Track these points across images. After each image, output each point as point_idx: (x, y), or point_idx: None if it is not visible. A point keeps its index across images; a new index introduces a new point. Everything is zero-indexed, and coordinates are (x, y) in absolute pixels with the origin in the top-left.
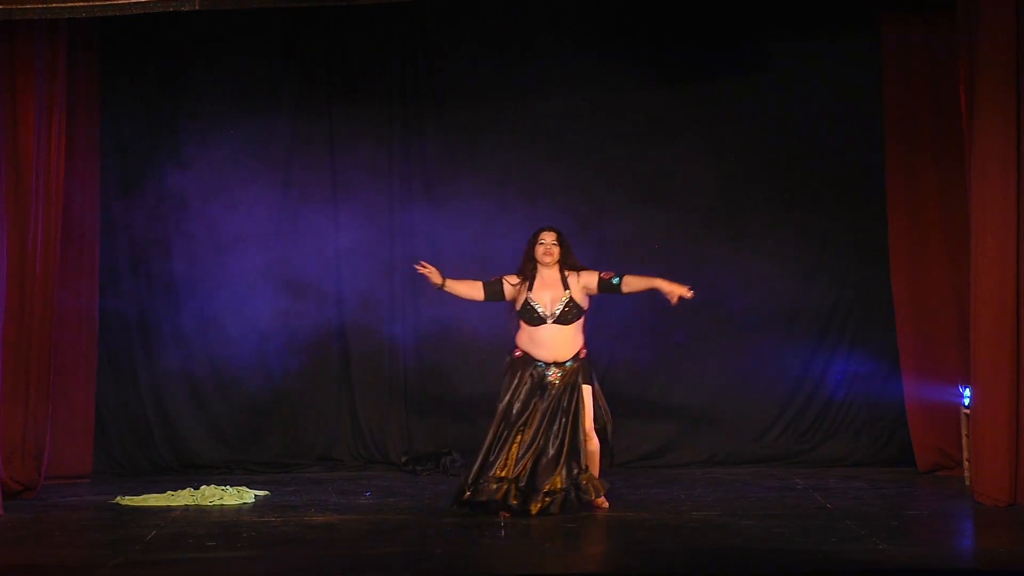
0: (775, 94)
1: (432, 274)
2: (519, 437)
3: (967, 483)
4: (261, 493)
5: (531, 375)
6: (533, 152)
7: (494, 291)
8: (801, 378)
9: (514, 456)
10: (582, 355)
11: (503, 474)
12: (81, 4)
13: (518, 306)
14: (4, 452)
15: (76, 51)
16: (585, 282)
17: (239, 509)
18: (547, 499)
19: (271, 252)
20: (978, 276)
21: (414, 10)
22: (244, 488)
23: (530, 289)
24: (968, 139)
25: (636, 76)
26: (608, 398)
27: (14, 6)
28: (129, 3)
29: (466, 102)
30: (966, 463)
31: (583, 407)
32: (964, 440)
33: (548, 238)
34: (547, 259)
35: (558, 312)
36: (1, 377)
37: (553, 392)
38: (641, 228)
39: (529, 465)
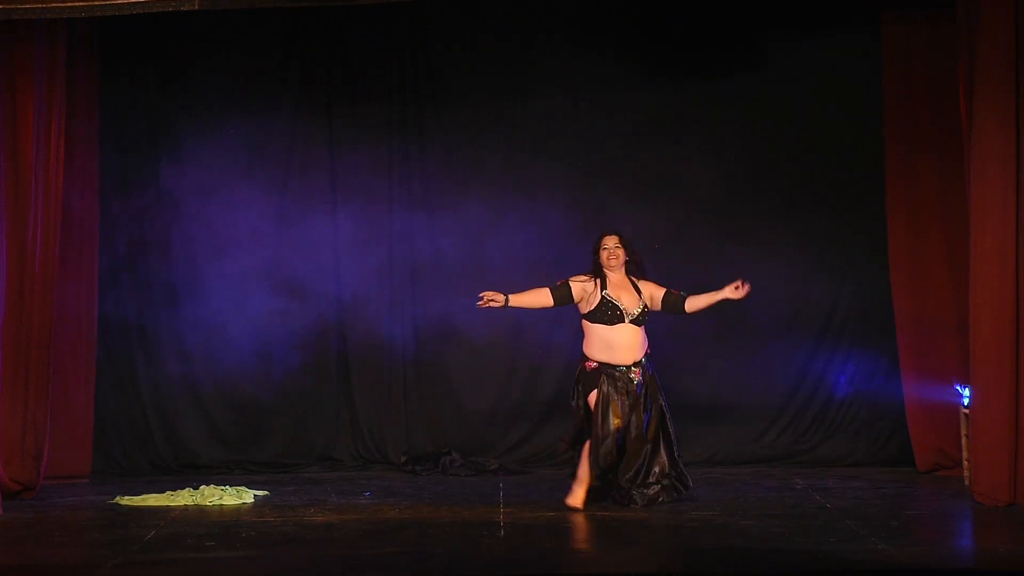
0: (775, 93)
1: (495, 299)
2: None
3: (966, 483)
4: (260, 493)
5: (619, 387)
6: (533, 151)
7: (562, 295)
8: (801, 378)
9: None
10: (648, 352)
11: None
12: (80, 4)
13: (590, 306)
14: (4, 452)
15: (75, 51)
16: (651, 292)
17: (238, 509)
18: (654, 487)
19: (270, 252)
20: (977, 276)
21: (414, 10)
22: (243, 488)
23: (604, 288)
24: (968, 139)
25: (635, 76)
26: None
27: (13, 6)
28: (128, 3)
29: (466, 102)
30: (965, 463)
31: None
32: (963, 440)
33: (611, 242)
34: (612, 262)
35: (637, 312)
36: (1, 377)
37: (643, 394)
38: (641, 228)
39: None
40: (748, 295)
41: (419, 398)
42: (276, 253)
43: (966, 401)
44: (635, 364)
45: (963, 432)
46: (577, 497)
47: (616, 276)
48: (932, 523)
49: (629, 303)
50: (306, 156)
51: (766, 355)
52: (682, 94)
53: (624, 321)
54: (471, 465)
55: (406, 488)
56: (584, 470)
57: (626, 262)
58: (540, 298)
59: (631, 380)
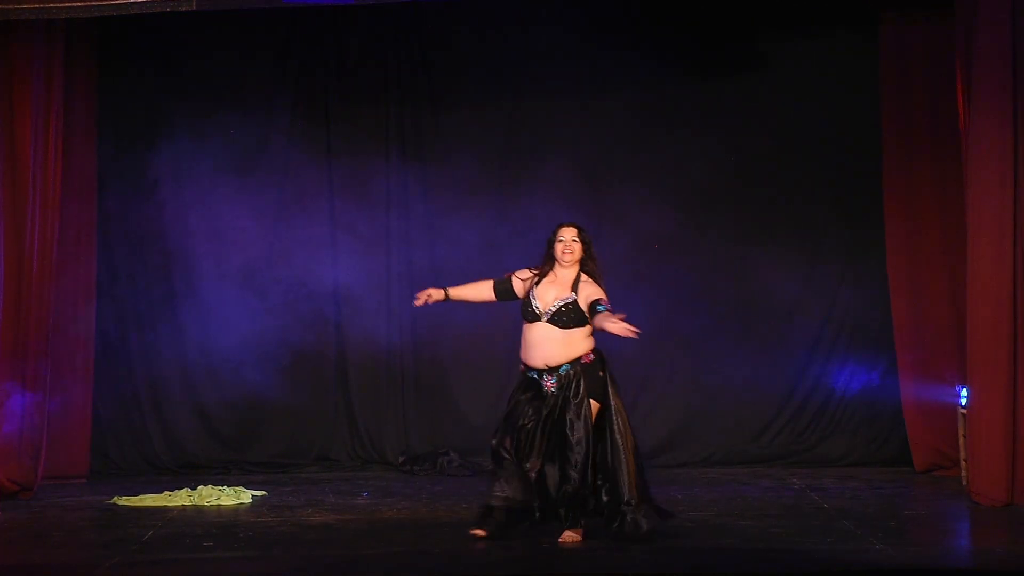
0: (772, 94)
1: (430, 296)
2: (529, 462)
3: (964, 483)
4: (258, 493)
5: (530, 389)
6: (533, 151)
7: (504, 289)
8: (798, 378)
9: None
10: (585, 359)
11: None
12: (78, 4)
13: (521, 301)
14: (1, 452)
15: (73, 51)
16: (588, 293)
17: (236, 509)
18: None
19: (269, 252)
20: (975, 276)
21: (412, 10)
22: (241, 488)
23: (536, 284)
24: (965, 139)
25: (634, 75)
26: None
27: (11, 6)
28: (126, 3)
29: (464, 102)
30: (963, 463)
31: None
32: (961, 440)
33: (568, 234)
34: (567, 257)
35: (553, 310)
36: None
37: (549, 407)
38: (640, 228)
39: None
40: (629, 334)
41: (417, 398)
42: (274, 253)
43: (963, 401)
44: (549, 371)
45: (960, 432)
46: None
47: (564, 272)
48: (929, 523)
49: (550, 300)
50: (303, 156)
51: (764, 355)
52: (679, 94)
53: (540, 320)
54: (469, 465)
55: (404, 488)
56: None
57: (582, 259)
58: (481, 292)
59: (540, 388)
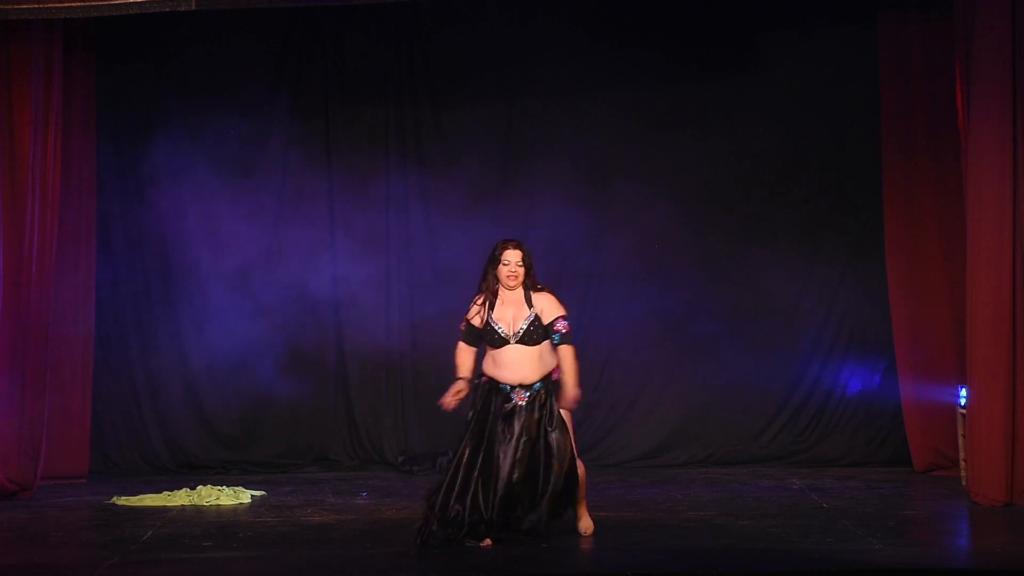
0: (771, 93)
1: (460, 392)
2: (492, 471)
3: (963, 483)
4: (257, 493)
5: (496, 401)
6: (532, 151)
7: (473, 337)
8: (798, 378)
9: (485, 492)
10: (554, 377)
11: (475, 516)
12: (77, 4)
13: (480, 327)
14: (1, 452)
15: (72, 51)
16: (543, 308)
17: (235, 509)
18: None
19: (268, 252)
20: (974, 276)
21: (411, 9)
22: (240, 488)
23: (491, 309)
24: (964, 139)
25: (632, 75)
26: (604, 397)
27: (10, 6)
28: (125, 3)
29: (464, 102)
30: (962, 463)
31: (565, 436)
32: (960, 440)
33: (512, 257)
34: (511, 282)
35: (521, 331)
36: None
37: (522, 420)
38: (639, 228)
39: (502, 500)
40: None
41: (416, 398)
42: (273, 253)
43: (963, 401)
44: (522, 387)
45: (960, 432)
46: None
47: (511, 294)
48: (929, 523)
49: (512, 322)
50: (303, 155)
51: (763, 355)
52: (679, 94)
53: (509, 343)
54: None
55: (403, 488)
56: None
57: (524, 280)
58: (469, 357)
59: (511, 400)
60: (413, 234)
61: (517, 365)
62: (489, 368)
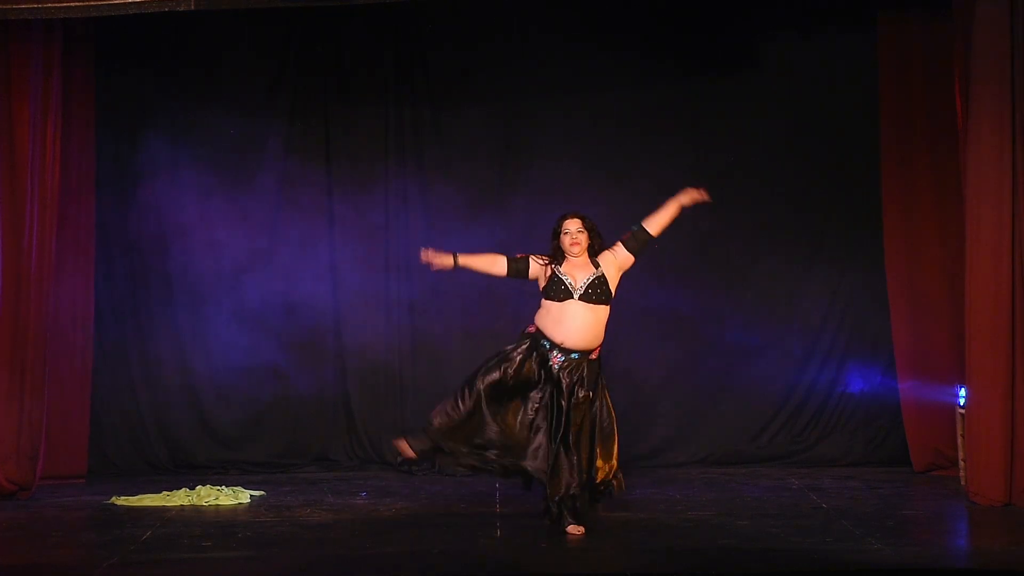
0: (770, 92)
1: (439, 258)
2: (512, 420)
3: (962, 483)
4: (257, 493)
5: (534, 356)
6: (532, 151)
7: (518, 268)
8: (797, 378)
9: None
10: (593, 356)
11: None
12: (76, 4)
13: (543, 283)
14: (0, 452)
15: (71, 51)
16: (613, 258)
17: (235, 509)
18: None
19: (267, 251)
20: (973, 275)
21: (410, 9)
22: (240, 488)
23: (559, 266)
24: (963, 137)
25: (631, 75)
26: None
27: (9, 6)
28: (124, 3)
29: (464, 102)
30: (961, 463)
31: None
32: (959, 440)
33: (572, 226)
34: (575, 250)
35: (584, 286)
36: None
37: (553, 385)
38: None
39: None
40: (702, 201)
41: (415, 398)
42: (273, 252)
43: (962, 401)
44: (562, 350)
45: (959, 432)
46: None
47: (577, 260)
48: (928, 523)
49: (580, 278)
50: (302, 156)
51: (762, 355)
52: (678, 93)
53: (572, 297)
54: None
55: (402, 488)
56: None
57: (590, 246)
58: (493, 265)
59: (547, 360)
60: (413, 234)
61: (572, 323)
62: (545, 322)
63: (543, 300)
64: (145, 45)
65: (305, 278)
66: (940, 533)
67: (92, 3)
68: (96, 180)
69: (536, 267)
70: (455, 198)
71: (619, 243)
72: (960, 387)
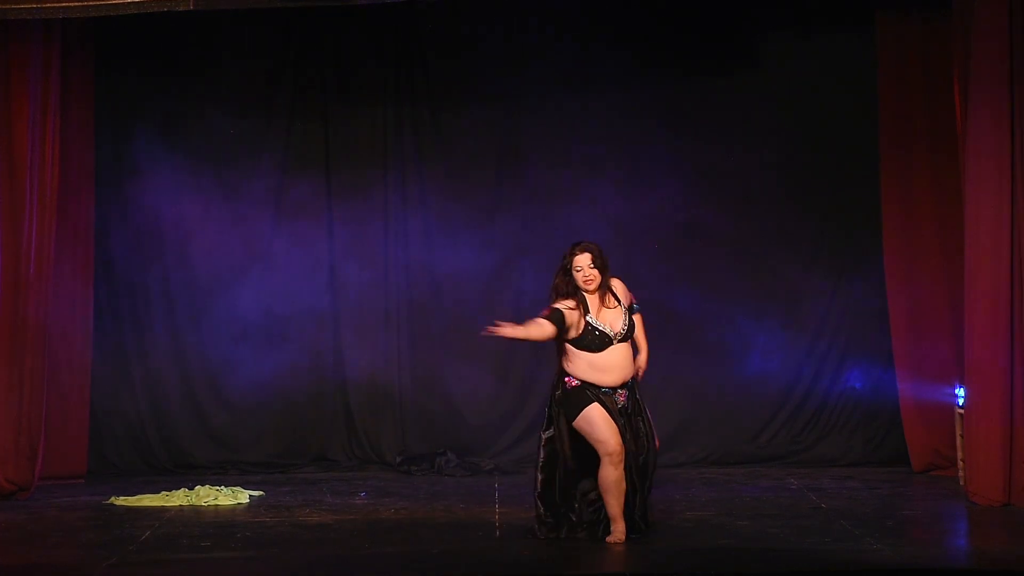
0: (769, 92)
1: (506, 332)
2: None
3: (961, 483)
4: (256, 493)
5: (607, 405)
6: (532, 151)
7: (559, 318)
8: (796, 378)
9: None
10: (635, 375)
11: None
12: (75, 4)
13: (576, 333)
14: None
15: (71, 51)
16: (623, 294)
17: (234, 510)
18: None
19: (267, 252)
20: (972, 275)
21: (410, 9)
22: (239, 488)
23: (586, 313)
24: (962, 137)
25: (630, 75)
26: None
27: (8, 6)
28: (123, 3)
29: (463, 102)
30: (960, 463)
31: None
32: (958, 440)
33: (583, 261)
34: (590, 285)
35: (624, 331)
36: None
37: (627, 416)
38: (637, 227)
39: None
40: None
41: (414, 399)
42: (272, 252)
43: (961, 401)
44: (622, 386)
45: (958, 432)
46: (620, 531)
47: (595, 296)
48: (927, 523)
49: (613, 322)
50: (302, 156)
51: (761, 355)
52: (678, 93)
53: (613, 343)
54: (466, 465)
55: (401, 488)
56: (615, 508)
57: (602, 279)
58: (543, 330)
59: (617, 403)
60: (412, 234)
61: (620, 365)
62: (584, 372)
63: (573, 348)
64: (144, 45)
65: (304, 277)
66: (939, 533)
67: (91, 3)
68: (95, 180)
69: (571, 316)
70: (455, 198)
71: (628, 294)
72: (959, 387)
